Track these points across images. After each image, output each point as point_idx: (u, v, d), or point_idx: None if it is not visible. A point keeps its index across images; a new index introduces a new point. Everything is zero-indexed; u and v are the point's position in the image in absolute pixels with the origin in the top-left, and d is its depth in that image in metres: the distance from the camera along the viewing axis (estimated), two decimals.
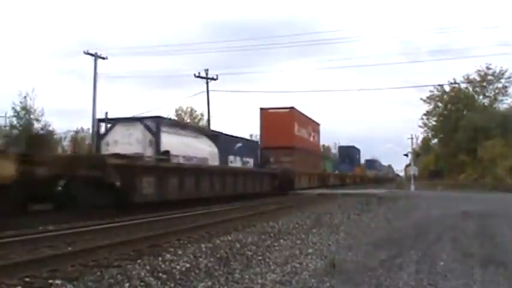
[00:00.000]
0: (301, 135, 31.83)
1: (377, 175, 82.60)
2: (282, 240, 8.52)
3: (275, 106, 30.56)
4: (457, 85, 52.50)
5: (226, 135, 22.54)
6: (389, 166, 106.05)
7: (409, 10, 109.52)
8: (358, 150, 67.84)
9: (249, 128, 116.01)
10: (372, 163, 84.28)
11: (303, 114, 33.04)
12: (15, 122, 33.07)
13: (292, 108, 30.38)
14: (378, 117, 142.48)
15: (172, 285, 5.20)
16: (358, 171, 62.48)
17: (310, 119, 35.24)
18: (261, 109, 29.75)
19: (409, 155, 44.52)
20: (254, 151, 25.35)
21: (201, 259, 6.50)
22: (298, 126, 30.71)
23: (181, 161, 16.73)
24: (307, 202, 19.71)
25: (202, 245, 7.59)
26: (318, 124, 38.38)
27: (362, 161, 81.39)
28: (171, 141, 16.27)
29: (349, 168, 55.38)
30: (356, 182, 56.07)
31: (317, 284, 5.35)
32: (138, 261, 6.30)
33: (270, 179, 25.78)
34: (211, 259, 6.54)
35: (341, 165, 52.66)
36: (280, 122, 28.61)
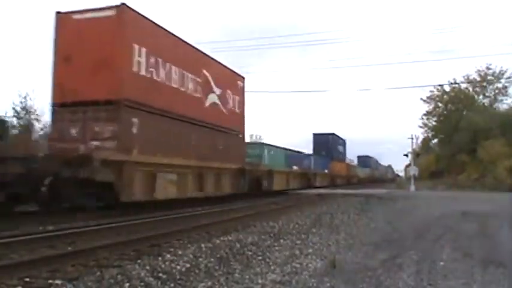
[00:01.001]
0: (163, 80, 14.56)
1: (372, 175, 71.81)
2: (282, 240, 8.52)
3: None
4: (457, 85, 52.48)
5: None
6: (389, 166, 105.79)
7: (409, 10, 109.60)
8: (343, 141, 51.91)
9: (249, 128, 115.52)
10: (365, 160, 71.25)
11: (167, 32, 15.23)
12: (15, 122, 33.05)
13: (123, 6, 13.13)
14: (378, 117, 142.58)
15: (172, 285, 5.20)
16: (340, 168, 47.08)
17: (203, 54, 17.62)
18: (58, 14, 13.59)
19: (409, 155, 44.47)
20: None
21: (201, 259, 6.50)
22: (149, 56, 13.88)
23: None
24: (308, 202, 19.71)
25: (202, 245, 7.58)
26: (238, 76, 20.95)
27: (354, 157, 70.49)
28: None
29: (324, 163, 40.53)
30: (336, 184, 43.35)
31: (317, 284, 5.35)
32: (138, 261, 6.30)
33: None
34: (211, 259, 6.53)
35: (306, 158, 35.84)
36: (96, 42, 12.95)
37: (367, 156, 74.35)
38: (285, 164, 29.60)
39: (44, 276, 5.48)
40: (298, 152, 35.36)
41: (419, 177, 45.49)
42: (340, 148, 49.99)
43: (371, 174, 71.33)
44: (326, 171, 40.76)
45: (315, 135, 45.99)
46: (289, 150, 32.97)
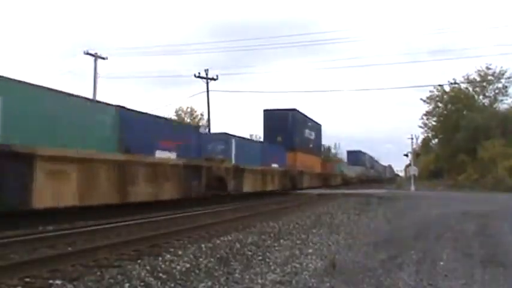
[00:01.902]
0: None
1: (366, 174, 61.13)
2: (282, 240, 8.52)
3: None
4: (457, 85, 52.52)
5: None
6: (389, 166, 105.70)
7: (409, 10, 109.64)
8: (315, 125, 34.61)
9: (249, 128, 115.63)
10: (357, 156, 60.08)
11: None
12: None
13: None
14: (378, 118, 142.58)
15: (172, 285, 5.20)
16: (309, 163, 31.66)
17: None
18: None
19: (409, 155, 44.49)
20: None
21: (201, 259, 6.50)
22: None
23: None
24: (308, 202, 19.72)
25: (202, 245, 7.58)
26: None
27: (343, 151, 62.84)
28: None
29: (273, 153, 25.49)
30: (300, 187, 28.73)
31: (317, 284, 5.35)
32: (138, 261, 6.31)
33: None
34: (211, 259, 6.53)
35: (217, 141, 19.66)
36: None
37: (359, 152, 62.22)
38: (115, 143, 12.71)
39: (44, 276, 5.48)
40: (183, 124, 18.68)
41: (419, 177, 45.54)
42: (309, 134, 32.67)
43: (364, 173, 60.15)
44: (276, 165, 25.15)
45: (266, 112, 29.36)
46: (160, 118, 16.95)
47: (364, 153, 64.86)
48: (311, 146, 33.19)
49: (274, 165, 25.22)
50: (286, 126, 28.50)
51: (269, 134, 28.40)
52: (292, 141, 28.53)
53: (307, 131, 32.14)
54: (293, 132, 28.95)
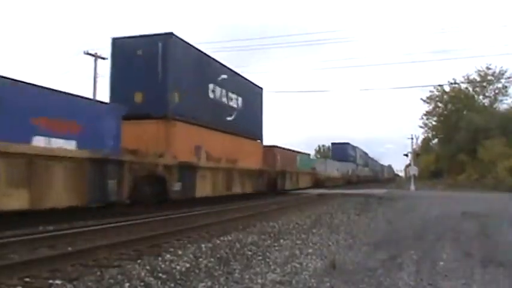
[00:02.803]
0: None
1: (356, 173, 49.83)
2: (282, 240, 8.51)
3: None
4: (457, 85, 52.64)
5: None
6: (390, 166, 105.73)
7: (409, 10, 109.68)
8: (248, 87, 21.61)
9: None
10: (343, 150, 47.07)
11: None
12: None
13: None
14: (378, 118, 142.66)
15: (172, 285, 5.20)
16: (222, 150, 17.85)
17: None
18: None
19: (409, 155, 44.51)
20: None
21: (201, 259, 6.50)
22: None
23: None
24: (307, 202, 19.72)
25: (202, 245, 7.58)
26: None
27: (328, 144, 54.07)
28: None
29: (68, 119, 10.41)
30: (170, 197, 14.12)
31: (317, 284, 5.34)
32: (138, 261, 6.30)
33: None
34: (211, 259, 6.53)
35: None
36: None
37: (346, 145, 48.91)
38: None
39: (44, 276, 5.47)
40: None
41: (420, 177, 45.56)
42: (225, 95, 18.99)
43: (354, 172, 48.09)
44: (72, 145, 10.62)
45: (116, 41, 15.54)
46: None
47: (354, 147, 51.67)
48: (230, 118, 19.33)
49: (67, 146, 10.67)
50: (153, 70, 14.85)
51: (120, 85, 14.96)
52: (164, 101, 14.79)
53: (217, 88, 18.19)
54: (167, 81, 14.92)
